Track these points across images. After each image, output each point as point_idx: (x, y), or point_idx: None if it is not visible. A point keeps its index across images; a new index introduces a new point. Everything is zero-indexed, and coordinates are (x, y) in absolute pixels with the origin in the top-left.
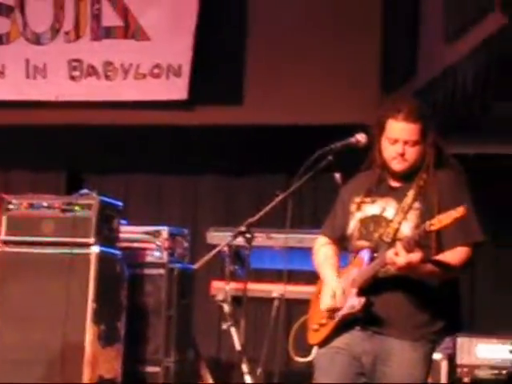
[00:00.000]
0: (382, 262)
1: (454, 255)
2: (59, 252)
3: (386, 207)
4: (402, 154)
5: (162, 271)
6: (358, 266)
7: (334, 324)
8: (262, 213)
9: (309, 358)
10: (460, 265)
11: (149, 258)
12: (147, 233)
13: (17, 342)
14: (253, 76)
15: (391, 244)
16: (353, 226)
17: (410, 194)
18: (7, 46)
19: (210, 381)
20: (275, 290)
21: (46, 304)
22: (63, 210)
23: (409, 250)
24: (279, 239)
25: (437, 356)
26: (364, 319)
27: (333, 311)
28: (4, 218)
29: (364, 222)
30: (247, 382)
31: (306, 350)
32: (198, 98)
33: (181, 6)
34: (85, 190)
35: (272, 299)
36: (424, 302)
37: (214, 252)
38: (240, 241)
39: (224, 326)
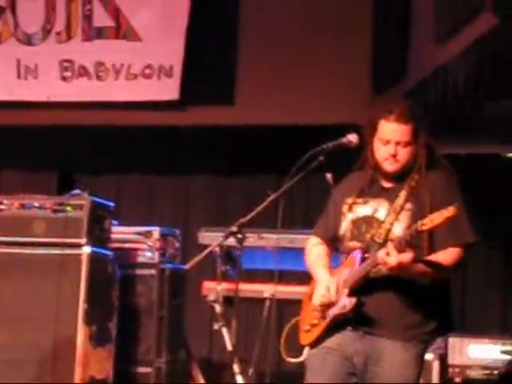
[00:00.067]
0: (373, 262)
1: (446, 255)
2: (50, 252)
3: (377, 208)
4: (394, 155)
5: (153, 271)
6: (350, 267)
7: (326, 324)
8: (253, 213)
9: (300, 359)
10: (451, 265)
11: (140, 259)
12: (139, 233)
13: (8, 342)
14: (244, 76)
15: (383, 245)
16: (344, 226)
17: (402, 194)
18: None
19: (202, 381)
20: (267, 290)
21: (37, 304)
22: (54, 211)
23: (400, 250)
24: (271, 239)
25: (428, 356)
26: (355, 319)
27: (327, 307)
28: None
29: (356, 222)
30: (239, 382)
31: (298, 351)
32: (189, 99)
33: (172, 7)
34: (76, 191)
35: (263, 299)
36: (415, 302)
37: (205, 252)
38: (231, 241)
39: (215, 327)
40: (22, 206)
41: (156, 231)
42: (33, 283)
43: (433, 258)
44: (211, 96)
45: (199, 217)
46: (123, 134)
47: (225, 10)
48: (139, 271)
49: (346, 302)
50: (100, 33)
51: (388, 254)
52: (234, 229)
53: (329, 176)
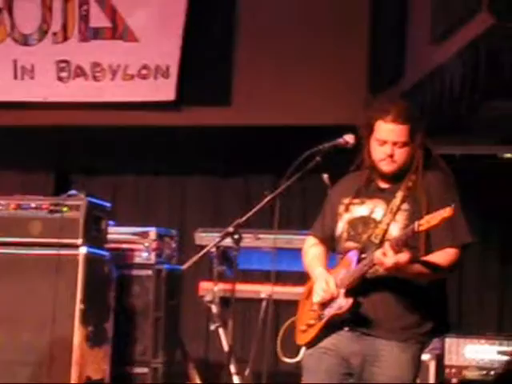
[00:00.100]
0: (370, 262)
1: (442, 256)
2: (47, 253)
3: (374, 208)
4: (391, 156)
5: (149, 272)
6: (346, 267)
7: (322, 325)
8: (250, 214)
9: (297, 359)
10: (448, 266)
11: (137, 259)
12: (135, 234)
13: (4, 342)
14: (241, 77)
15: (379, 245)
16: (341, 227)
17: (399, 195)
18: None
19: (198, 381)
20: (263, 290)
21: (33, 305)
22: (51, 211)
23: (397, 251)
24: (267, 240)
25: (425, 357)
26: (352, 320)
27: (324, 306)
28: None
29: (352, 223)
30: (235, 382)
31: (294, 351)
32: (185, 99)
33: (169, 7)
34: (73, 191)
35: (260, 300)
36: (412, 302)
37: (202, 253)
38: (228, 241)
39: (212, 327)
40: (19, 207)
41: (152, 232)
42: (29, 284)
43: (429, 258)
44: (207, 97)
45: (196, 217)
46: (120, 134)
47: (221, 11)
48: (136, 272)
49: (343, 303)
50: (96, 33)
51: (385, 255)
52: (231, 229)
53: (325, 176)
